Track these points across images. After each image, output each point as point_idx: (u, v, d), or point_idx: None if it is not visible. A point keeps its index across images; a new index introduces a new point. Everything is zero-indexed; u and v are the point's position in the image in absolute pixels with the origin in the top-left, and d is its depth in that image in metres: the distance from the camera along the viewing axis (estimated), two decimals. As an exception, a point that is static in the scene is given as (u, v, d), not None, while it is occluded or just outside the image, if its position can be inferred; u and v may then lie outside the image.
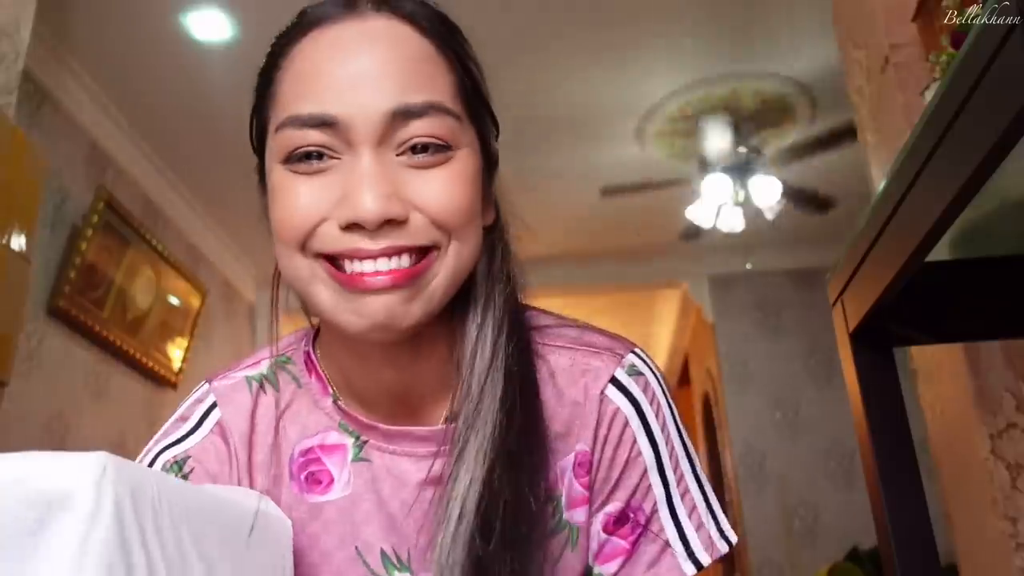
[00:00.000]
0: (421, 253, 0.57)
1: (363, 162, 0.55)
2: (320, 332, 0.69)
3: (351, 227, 0.55)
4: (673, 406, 0.67)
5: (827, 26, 2.17)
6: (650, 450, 0.65)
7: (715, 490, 0.70)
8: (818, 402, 4.90)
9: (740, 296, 5.19)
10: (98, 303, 3.41)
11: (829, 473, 4.78)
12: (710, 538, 0.65)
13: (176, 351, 4.06)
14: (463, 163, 0.58)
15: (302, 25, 0.60)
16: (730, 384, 4.95)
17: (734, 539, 0.66)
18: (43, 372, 3.08)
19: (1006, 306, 0.98)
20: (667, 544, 0.64)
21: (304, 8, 0.61)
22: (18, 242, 2.03)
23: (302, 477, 0.64)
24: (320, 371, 0.67)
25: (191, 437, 0.66)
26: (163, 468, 0.64)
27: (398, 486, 0.63)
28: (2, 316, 1.99)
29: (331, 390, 0.66)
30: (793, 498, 4.74)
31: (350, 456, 0.64)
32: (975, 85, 0.58)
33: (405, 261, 0.56)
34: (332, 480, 0.63)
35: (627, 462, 0.64)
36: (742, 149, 3.90)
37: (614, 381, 0.65)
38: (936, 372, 1.52)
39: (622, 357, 0.66)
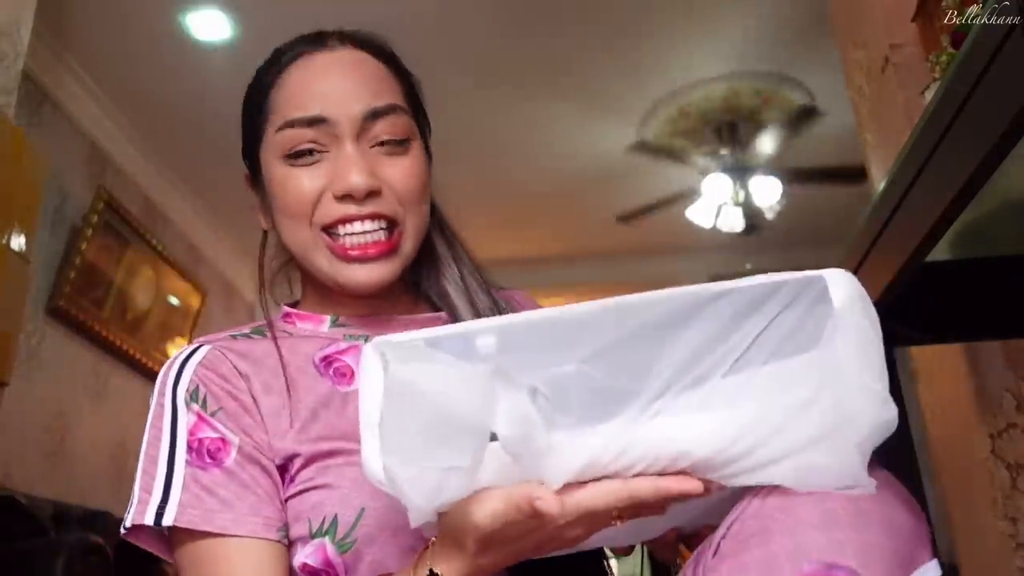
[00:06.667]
0: (391, 228, 0.76)
1: (348, 150, 0.74)
2: (305, 292, 0.86)
3: (344, 198, 0.74)
4: None
5: (826, 26, 2.17)
6: None
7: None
8: (818, 402, 4.89)
9: (740, 296, 5.17)
10: (98, 303, 3.40)
11: (829, 473, 4.77)
12: None
13: (176, 351, 4.06)
14: (416, 155, 0.79)
15: (284, 59, 0.79)
16: (730, 384, 4.94)
17: None
18: (43, 372, 3.07)
19: (1006, 306, 0.98)
20: None
21: (279, 48, 0.81)
22: (18, 242, 2.03)
23: (330, 372, 0.77)
24: (308, 314, 0.83)
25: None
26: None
27: None
28: (2, 316, 1.99)
29: (326, 317, 0.82)
30: (793, 498, 4.74)
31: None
32: (975, 85, 0.58)
33: (381, 228, 0.75)
34: (354, 373, 0.77)
35: None
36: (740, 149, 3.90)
37: None
38: (936, 372, 1.52)
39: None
